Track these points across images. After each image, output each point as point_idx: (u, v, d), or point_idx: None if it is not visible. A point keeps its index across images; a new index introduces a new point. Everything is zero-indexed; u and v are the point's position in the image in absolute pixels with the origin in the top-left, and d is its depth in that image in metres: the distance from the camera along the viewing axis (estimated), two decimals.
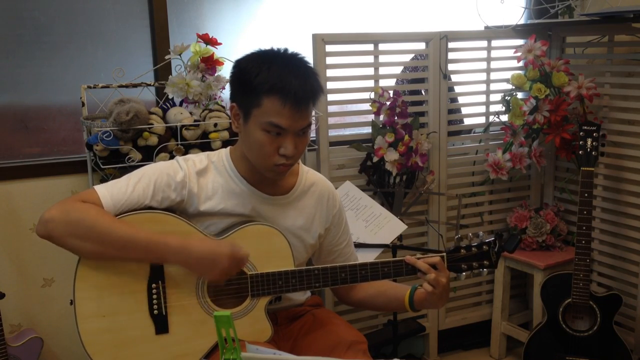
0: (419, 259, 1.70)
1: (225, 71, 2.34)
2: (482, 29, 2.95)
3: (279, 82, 1.53)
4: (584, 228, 2.48)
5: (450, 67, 2.81)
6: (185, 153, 2.21)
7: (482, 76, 2.95)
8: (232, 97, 1.66)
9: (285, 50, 1.62)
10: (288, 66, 1.56)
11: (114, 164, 2.16)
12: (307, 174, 1.81)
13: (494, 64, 2.94)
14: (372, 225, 2.40)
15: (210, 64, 2.29)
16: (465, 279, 1.77)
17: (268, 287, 1.68)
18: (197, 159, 1.72)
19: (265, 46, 1.65)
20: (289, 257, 1.71)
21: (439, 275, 1.67)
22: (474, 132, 3.02)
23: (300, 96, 1.54)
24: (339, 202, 1.86)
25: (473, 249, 1.75)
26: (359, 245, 2.32)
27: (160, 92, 2.46)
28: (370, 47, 2.68)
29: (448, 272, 1.71)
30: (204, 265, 1.57)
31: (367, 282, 1.83)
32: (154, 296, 1.64)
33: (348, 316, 2.75)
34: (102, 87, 2.32)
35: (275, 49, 1.62)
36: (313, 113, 1.66)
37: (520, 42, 2.84)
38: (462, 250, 1.75)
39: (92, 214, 1.55)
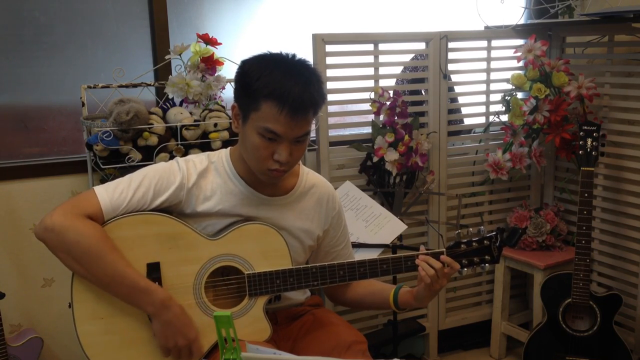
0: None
1: (225, 71, 2.35)
2: (482, 29, 2.95)
3: (278, 88, 1.51)
4: (584, 228, 2.48)
5: (450, 67, 2.81)
6: (186, 153, 2.21)
7: (482, 76, 2.95)
8: (235, 97, 1.66)
9: (293, 56, 1.60)
10: (290, 72, 1.54)
11: (114, 164, 2.16)
12: (307, 175, 1.81)
13: (494, 64, 2.94)
14: (372, 225, 2.40)
15: (210, 64, 2.29)
16: (466, 274, 1.77)
17: (266, 286, 1.68)
18: (197, 160, 1.72)
19: (272, 48, 1.63)
20: (287, 257, 1.70)
21: (441, 275, 1.68)
22: (474, 132, 3.02)
23: (297, 104, 1.52)
24: (339, 204, 1.86)
25: (474, 243, 1.75)
26: (359, 245, 2.32)
27: (160, 92, 2.46)
28: (370, 47, 2.68)
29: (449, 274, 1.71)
30: (169, 329, 1.59)
31: (357, 283, 1.83)
32: None
33: (348, 316, 2.75)
34: (102, 87, 2.32)
35: (284, 53, 1.60)
36: (313, 122, 1.64)
37: (520, 42, 2.84)
38: (463, 246, 1.74)
39: (91, 240, 1.55)
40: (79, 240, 1.54)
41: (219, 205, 1.68)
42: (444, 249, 1.73)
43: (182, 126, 2.19)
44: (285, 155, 1.57)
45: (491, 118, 2.99)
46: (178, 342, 1.60)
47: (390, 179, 2.67)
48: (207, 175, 1.70)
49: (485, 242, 1.75)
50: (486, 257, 1.75)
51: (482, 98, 2.97)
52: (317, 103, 1.58)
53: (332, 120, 2.68)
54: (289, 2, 2.80)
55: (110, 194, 1.61)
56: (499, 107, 2.92)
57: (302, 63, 1.60)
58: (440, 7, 3.08)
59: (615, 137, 2.78)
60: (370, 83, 2.70)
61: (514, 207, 3.01)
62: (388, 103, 2.59)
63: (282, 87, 1.51)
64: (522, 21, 2.99)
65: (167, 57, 2.33)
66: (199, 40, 2.30)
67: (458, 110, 2.98)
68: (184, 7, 2.62)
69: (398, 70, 2.81)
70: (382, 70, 2.74)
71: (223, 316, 1.15)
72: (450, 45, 2.78)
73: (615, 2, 2.73)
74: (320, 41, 2.54)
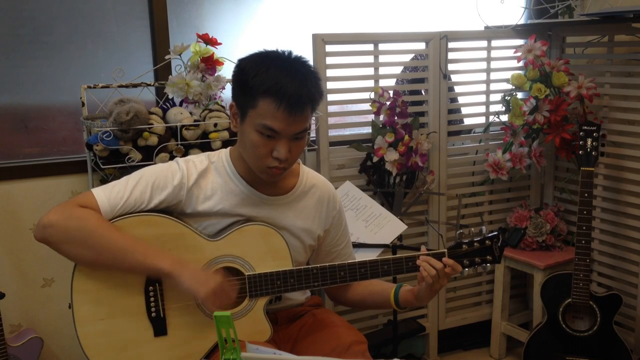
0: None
1: (225, 71, 2.34)
2: (482, 29, 2.95)
3: (274, 85, 1.51)
4: (584, 228, 2.48)
5: (450, 67, 2.81)
6: (186, 153, 2.21)
7: (482, 76, 2.95)
8: (232, 96, 1.66)
9: (290, 53, 1.60)
10: (287, 69, 1.54)
11: (114, 164, 2.16)
12: (307, 175, 1.81)
13: (494, 64, 2.94)
14: (372, 225, 2.40)
15: (210, 64, 2.29)
16: (467, 274, 1.77)
17: (266, 287, 1.68)
18: (198, 160, 1.72)
19: (270, 47, 1.64)
20: (287, 257, 1.70)
21: (442, 274, 1.68)
22: (474, 132, 3.02)
23: (295, 100, 1.52)
24: (339, 204, 1.86)
25: (475, 244, 1.75)
26: (359, 245, 2.32)
27: (160, 92, 2.46)
28: (370, 47, 2.68)
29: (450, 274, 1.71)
30: (199, 277, 1.57)
31: (357, 283, 1.83)
32: (152, 298, 1.64)
33: (348, 316, 2.75)
34: (102, 87, 2.32)
35: (280, 50, 1.60)
36: (312, 118, 1.64)
37: (520, 42, 2.84)
38: (464, 246, 1.74)
39: (91, 221, 1.55)
40: (81, 224, 1.54)
41: (219, 204, 1.68)
42: (446, 250, 1.73)
43: (182, 126, 2.19)
44: (284, 152, 1.57)
45: (491, 118, 2.99)
46: (215, 281, 1.57)
47: (390, 179, 2.67)
48: (207, 175, 1.70)
49: (487, 242, 1.75)
50: (488, 257, 1.75)
51: (482, 98, 2.97)
52: (314, 99, 1.58)
53: (332, 120, 2.68)
54: (289, 2, 2.80)
55: (108, 193, 1.61)
56: (499, 107, 2.92)
57: (299, 60, 1.60)
58: (440, 7, 3.08)
59: (615, 137, 2.78)
60: (370, 83, 2.70)
61: (514, 207, 3.01)
62: (388, 103, 2.59)
63: (279, 83, 1.51)
64: (522, 21, 2.99)
65: (167, 57, 2.33)
66: (199, 40, 2.30)
67: (458, 110, 2.98)
68: (184, 7, 2.62)
69: (398, 70, 2.81)
70: (382, 70, 2.74)
71: (223, 316, 1.15)
72: (450, 45, 2.78)
73: (615, 2, 2.73)
74: (320, 41, 2.54)
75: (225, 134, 2.24)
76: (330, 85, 2.60)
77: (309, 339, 1.77)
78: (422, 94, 2.86)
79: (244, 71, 1.58)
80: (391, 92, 2.60)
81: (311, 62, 1.63)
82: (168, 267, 1.56)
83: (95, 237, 1.54)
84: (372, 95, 2.63)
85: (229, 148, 1.77)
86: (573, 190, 2.93)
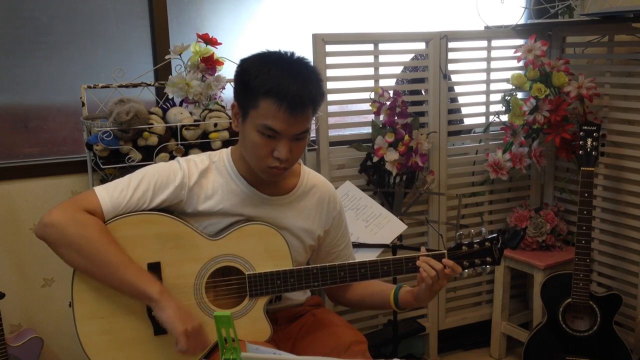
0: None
1: (225, 71, 2.34)
2: (482, 29, 2.95)
3: (276, 85, 1.51)
4: (584, 228, 2.48)
5: (450, 67, 2.81)
6: (186, 153, 2.21)
7: (482, 76, 2.95)
8: (234, 96, 1.66)
9: (292, 54, 1.61)
10: (289, 70, 1.55)
11: (114, 164, 2.16)
12: (308, 175, 1.81)
13: (494, 64, 2.94)
14: (372, 225, 2.40)
15: (210, 64, 2.29)
16: (467, 276, 1.77)
17: (266, 286, 1.68)
18: (199, 160, 1.72)
19: (272, 47, 1.64)
20: (287, 257, 1.70)
21: (443, 275, 1.68)
22: (474, 132, 3.02)
23: (296, 101, 1.52)
24: (340, 205, 1.86)
25: (475, 245, 1.75)
26: (359, 245, 2.32)
27: (160, 92, 2.46)
28: (370, 47, 2.68)
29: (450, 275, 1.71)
30: (180, 314, 1.57)
31: (357, 283, 1.84)
32: None
33: (348, 316, 2.75)
34: (102, 87, 2.32)
35: (282, 51, 1.61)
36: (312, 119, 1.64)
37: (520, 42, 2.84)
38: (464, 248, 1.74)
39: (91, 230, 1.55)
40: (80, 232, 1.54)
41: (220, 204, 1.68)
42: (445, 251, 1.73)
43: (182, 126, 2.19)
44: (284, 152, 1.57)
45: (491, 118, 2.99)
46: (195, 321, 1.58)
47: (390, 179, 2.67)
48: (208, 174, 1.70)
49: (487, 244, 1.75)
50: (487, 259, 1.75)
51: (482, 98, 2.97)
52: (315, 100, 1.58)
53: (332, 120, 2.68)
54: (289, 2, 2.80)
55: (110, 193, 1.61)
56: (499, 107, 2.92)
57: (301, 61, 1.60)
58: (440, 7, 3.08)
59: (615, 137, 2.78)
60: (370, 83, 2.70)
61: (514, 207, 3.01)
62: (388, 103, 2.59)
63: (281, 84, 1.52)
64: (522, 21, 2.99)
65: (167, 57, 2.33)
66: (199, 40, 2.30)
67: (458, 110, 2.98)
68: (184, 7, 2.62)
69: (398, 70, 2.81)
70: (382, 70, 2.74)
71: (223, 316, 1.15)
72: (450, 45, 2.78)
73: (615, 2, 2.73)
74: (320, 41, 2.54)
75: (226, 134, 2.24)
76: (330, 85, 2.60)
77: (308, 338, 1.77)
78: (422, 94, 2.86)
79: (246, 71, 1.58)
80: (391, 92, 2.60)
81: (311, 63, 1.63)
82: (156, 294, 1.56)
83: (91, 248, 1.54)
84: (372, 95, 2.63)
85: (230, 148, 1.77)
86: (573, 190, 2.93)
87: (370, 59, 2.70)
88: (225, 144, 2.24)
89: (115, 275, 1.57)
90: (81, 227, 1.54)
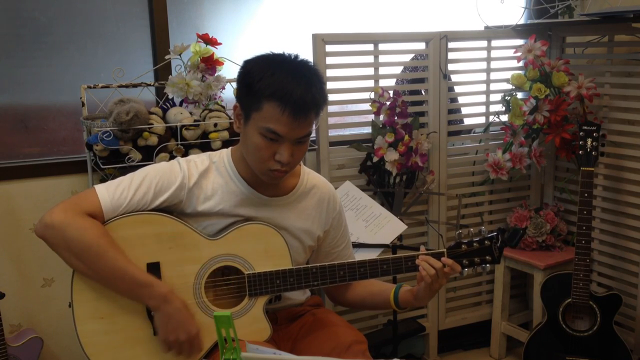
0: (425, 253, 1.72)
1: (225, 71, 2.34)
2: (482, 29, 2.95)
3: (280, 89, 1.51)
4: (584, 228, 2.48)
5: (450, 67, 2.81)
6: (186, 153, 2.21)
7: (482, 76, 2.95)
8: (237, 97, 1.66)
9: (296, 56, 1.61)
10: (292, 73, 1.54)
11: (114, 164, 2.16)
12: (308, 175, 1.81)
13: (494, 64, 2.94)
14: (372, 225, 2.40)
15: (210, 64, 2.29)
16: (467, 275, 1.77)
17: (266, 286, 1.68)
18: (199, 160, 1.72)
19: (273, 48, 1.63)
20: (287, 257, 1.70)
21: (442, 274, 1.68)
22: (474, 132, 3.02)
23: (300, 105, 1.52)
24: (339, 205, 1.86)
25: (474, 244, 1.75)
26: (359, 245, 2.32)
27: (160, 92, 2.46)
28: (370, 47, 2.68)
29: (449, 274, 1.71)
30: (171, 322, 1.59)
31: (357, 283, 1.84)
32: None
33: (348, 316, 2.75)
34: (102, 87, 2.32)
35: (286, 54, 1.60)
36: (315, 122, 1.64)
37: (520, 42, 2.84)
38: (464, 246, 1.74)
39: (90, 235, 1.55)
40: (80, 236, 1.54)
41: (219, 205, 1.68)
42: (445, 250, 1.73)
43: (182, 126, 2.19)
44: (286, 155, 1.57)
45: (491, 118, 2.99)
46: (179, 336, 1.59)
47: (390, 179, 2.67)
48: (208, 175, 1.70)
49: (486, 242, 1.75)
50: (487, 257, 1.75)
51: (482, 98, 2.97)
52: (318, 104, 1.58)
53: (332, 120, 2.68)
54: (289, 2, 2.80)
55: (112, 193, 1.61)
56: (499, 107, 2.92)
57: (305, 64, 1.60)
58: (440, 7, 3.08)
59: (615, 137, 2.78)
60: (370, 83, 2.70)
61: (514, 207, 3.01)
62: (388, 103, 2.59)
63: (284, 87, 1.52)
64: (522, 21, 2.99)
65: (167, 57, 2.33)
66: (199, 40, 2.30)
67: (458, 110, 2.98)
68: (184, 7, 2.62)
69: (398, 70, 2.81)
70: (382, 70, 2.73)
71: (223, 316, 1.15)
72: (450, 45, 2.78)
73: (615, 2, 2.73)
74: (320, 41, 2.54)
75: (225, 134, 2.24)
76: (330, 85, 2.59)
77: (308, 338, 1.77)
78: (422, 94, 2.86)
79: (249, 74, 1.58)
80: (391, 92, 2.60)
81: (315, 67, 1.62)
82: (161, 290, 1.59)
83: (89, 253, 1.55)
84: (372, 95, 2.63)
85: (230, 148, 1.77)
86: (573, 190, 2.93)
87: (370, 59, 2.70)
88: (226, 144, 2.24)
89: (112, 283, 1.59)
90: (80, 231, 1.54)
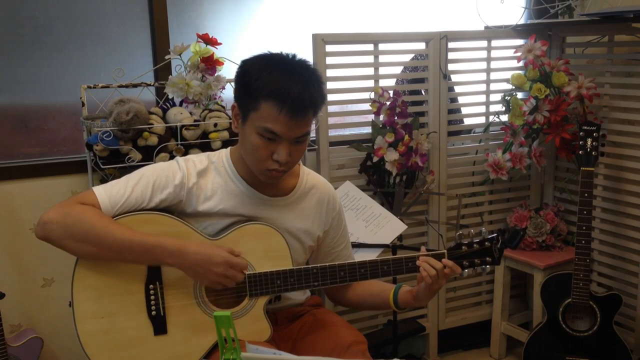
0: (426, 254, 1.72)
1: (225, 71, 2.34)
2: (482, 29, 2.95)
3: (277, 88, 1.51)
4: (584, 228, 2.48)
5: (450, 67, 2.81)
6: (185, 153, 2.21)
7: (482, 76, 2.95)
8: (235, 97, 1.66)
9: (293, 56, 1.60)
10: (290, 73, 1.54)
11: (114, 164, 2.16)
12: (307, 176, 1.81)
13: (494, 64, 2.94)
14: (372, 225, 2.40)
15: (210, 64, 2.29)
16: (467, 276, 1.77)
17: (266, 286, 1.68)
18: (198, 160, 1.72)
19: (272, 48, 1.63)
20: (287, 257, 1.71)
21: (442, 275, 1.68)
22: (474, 132, 3.02)
23: (297, 104, 1.52)
24: (339, 205, 1.86)
25: (475, 245, 1.75)
26: (359, 245, 2.32)
27: (160, 92, 2.46)
28: (370, 47, 2.68)
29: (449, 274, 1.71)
30: (199, 269, 1.58)
31: (357, 284, 1.84)
32: (152, 297, 1.64)
33: (348, 316, 2.75)
34: (102, 87, 2.32)
35: (284, 53, 1.60)
36: (313, 122, 1.64)
37: (520, 42, 2.84)
38: (464, 247, 1.74)
39: (90, 216, 1.56)
40: (80, 220, 1.55)
41: (219, 205, 1.68)
42: (445, 251, 1.73)
43: (182, 126, 2.19)
44: (284, 155, 1.57)
45: (491, 118, 2.99)
46: (216, 273, 1.58)
47: (390, 179, 2.67)
48: (207, 174, 1.70)
49: (486, 243, 1.75)
50: (487, 258, 1.75)
51: (482, 98, 2.97)
52: (316, 103, 1.58)
53: (332, 120, 2.68)
54: (289, 2, 2.80)
55: (108, 191, 1.61)
56: (499, 107, 2.92)
57: (303, 63, 1.60)
58: (440, 7, 3.08)
59: (615, 137, 2.78)
60: (370, 83, 2.70)
61: (514, 207, 3.01)
62: (388, 103, 2.59)
63: (282, 87, 1.51)
64: (522, 21, 2.99)
65: (167, 57, 2.33)
66: (199, 40, 2.30)
67: (458, 110, 2.98)
68: (184, 7, 2.62)
69: (398, 70, 2.81)
70: (382, 70, 2.74)
71: (223, 316, 1.15)
72: (450, 45, 2.78)
73: (615, 2, 2.73)
74: (320, 41, 2.54)
75: (225, 134, 2.24)
76: (330, 85, 2.60)
77: (308, 338, 1.77)
78: (422, 94, 2.86)
79: (247, 73, 1.58)
80: (391, 92, 2.60)
81: (313, 66, 1.62)
82: (172, 244, 1.58)
83: (95, 231, 1.55)
84: (372, 95, 2.63)
85: (229, 148, 1.77)
86: (573, 190, 2.93)
87: (370, 59, 2.70)
88: (225, 144, 2.24)
89: (125, 253, 1.57)
90: (78, 215, 1.55)
